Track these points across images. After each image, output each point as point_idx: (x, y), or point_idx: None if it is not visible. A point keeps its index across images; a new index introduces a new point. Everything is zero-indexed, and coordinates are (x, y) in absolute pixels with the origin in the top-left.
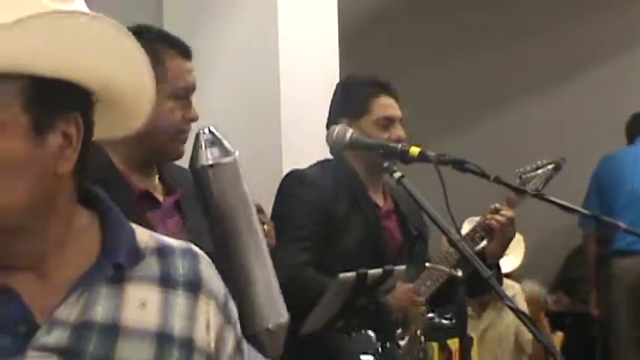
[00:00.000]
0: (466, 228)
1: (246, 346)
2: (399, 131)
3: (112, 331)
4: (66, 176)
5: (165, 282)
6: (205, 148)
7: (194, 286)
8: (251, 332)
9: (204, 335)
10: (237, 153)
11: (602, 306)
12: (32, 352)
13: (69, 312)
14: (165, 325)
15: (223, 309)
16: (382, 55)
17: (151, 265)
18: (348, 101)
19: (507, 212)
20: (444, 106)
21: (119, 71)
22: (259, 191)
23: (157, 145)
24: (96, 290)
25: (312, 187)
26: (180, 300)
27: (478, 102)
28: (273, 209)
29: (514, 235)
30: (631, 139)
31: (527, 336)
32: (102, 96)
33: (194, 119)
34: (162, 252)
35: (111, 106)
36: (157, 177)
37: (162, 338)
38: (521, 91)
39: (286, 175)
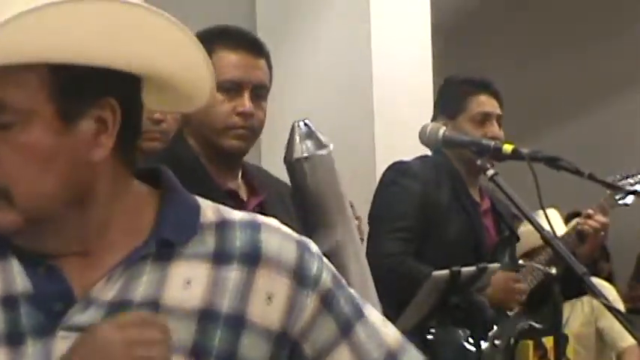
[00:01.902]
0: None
1: (341, 297)
2: (495, 128)
3: (151, 310)
4: (103, 162)
5: (219, 257)
6: (300, 141)
7: (251, 258)
8: None
9: (263, 308)
10: (331, 146)
11: None
12: (62, 331)
13: (108, 290)
14: (210, 303)
15: (295, 274)
16: (475, 54)
17: (206, 241)
18: (447, 99)
19: (600, 218)
20: (538, 104)
21: (162, 57)
22: (352, 188)
23: (209, 137)
24: (139, 268)
25: (415, 177)
26: (233, 274)
27: (572, 100)
28: (374, 199)
29: (605, 240)
30: None
31: (615, 332)
32: (152, 78)
33: (245, 113)
34: (222, 226)
35: (166, 86)
36: (239, 177)
37: (205, 317)
38: (616, 88)
39: (389, 167)
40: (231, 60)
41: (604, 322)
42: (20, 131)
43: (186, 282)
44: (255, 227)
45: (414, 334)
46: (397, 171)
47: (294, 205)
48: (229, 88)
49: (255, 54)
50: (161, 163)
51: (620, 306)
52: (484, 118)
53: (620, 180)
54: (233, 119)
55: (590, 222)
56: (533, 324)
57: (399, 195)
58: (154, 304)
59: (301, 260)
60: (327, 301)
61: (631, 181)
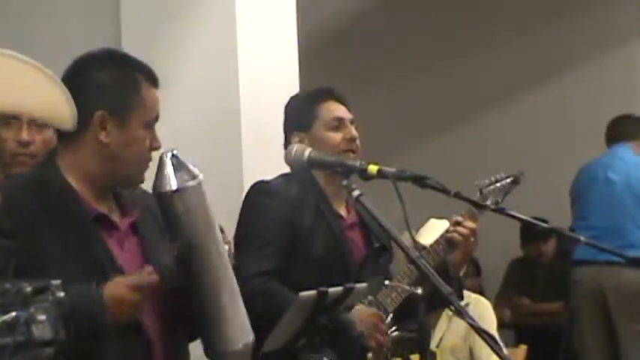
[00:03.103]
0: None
1: None
2: (351, 130)
3: None
4: None
5: None
6: (170, 173)
7: None
8: (221, 353)
9: None
10: (201, 176)
11: (565, 315)
12: None
13: None
14: None
15: None
16: (340, 71)
17: None
18: (297, 114)
19: (469, 224)
20: (408, 120)
21: (29, 99)
22: (221, 210)
23: (126, 170)
24: None
25: (276, 196)
26: None
27: (440, 115)
28: (239, 220)
29: (476, 246)
30: (608, 144)
31: (482, 352)
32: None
33: (157, 148)
34: None
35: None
36: (111, 199)
37: None
38: (483, 103)
39: (252, 186)
40: (157, 97)
41: (474, 341)
42: None
43: None
44: None
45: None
46: (259, 191)
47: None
48: (152, 125)
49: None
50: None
51: (494, 325)
52: (339, 123)
53: (489, 185)
54: (149, 154)
55: (459, 229)
56: (406, 334)
57: (262, 215)
58: None
59: None
60: None
61: (498, 185)
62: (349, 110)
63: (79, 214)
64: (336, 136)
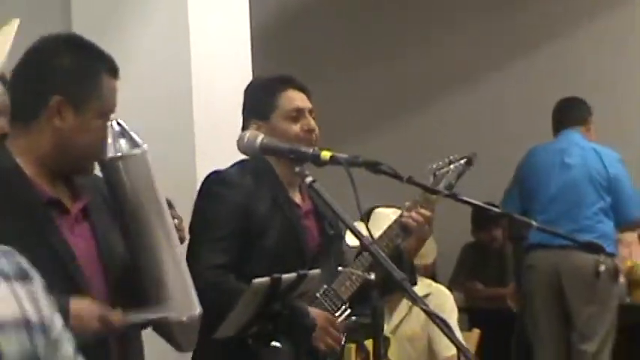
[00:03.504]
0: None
1: None
2: (310, 122)
3: None
4: None
5: None
6: (113, 140)
7: None
8: (164, 324)
9: None
10: (145, 145)
11: (519, 299)
12: None
13: None
14: None
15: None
16: (296, 57)
17: None
18: (256, 102)
19: (424, 211)
20: (361, 107)
21: None
22: (172, 194)
23: (77, 157)
24: None
25: (232, 186)
26: None
27: (394, 100)
28: (194, 210)
29: (431, 232)
30: (555, 129)
31: (440, 342)
32: None
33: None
34: None
35: None
36: (63, 183)
37: None
38: (437, 89)
39: (207, 176)
40: (115, 88)
41: (433, 330)
42: None
43: None
44: None
45: (235, 342)
46: (214, 181)
47: (111, 204)
48: (107, 116)
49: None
50: None
51: (454, 315)
52: (297, 114)
53: (442, 167)
54: (102, 145)
55: (413, 215)
56: (361, 319)
57: (216, 205)
58: None
59: None
60: None
61: (452, 167)
62: (309, 98)
63: (31, 198)
64: (294, 127)
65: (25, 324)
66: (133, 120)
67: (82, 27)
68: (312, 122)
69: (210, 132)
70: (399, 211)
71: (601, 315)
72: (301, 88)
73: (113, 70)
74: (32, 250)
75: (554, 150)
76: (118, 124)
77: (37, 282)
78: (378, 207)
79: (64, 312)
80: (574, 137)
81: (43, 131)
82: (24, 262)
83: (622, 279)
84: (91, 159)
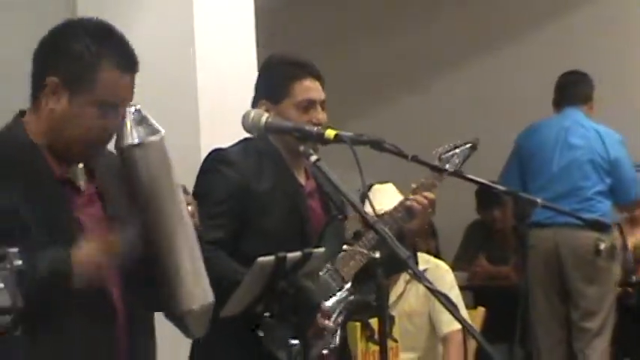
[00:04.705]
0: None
1: None
2: (319, 114)
3: None
4: None
5: None
6: (131, 127)
7: None
8: (177, 313)
9: None
10: (163, 132)
11: (521, 278)
12: None
13: None
14: None
15: None
16: (300, 35)
17: None
18: (270, 84)
19: (427, 194)
20: (365, 86)
21: None
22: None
23: (66, 144)
24: None
25: (231, 164)
26: None
27: (397, 80)
28: (194, 187)
29: (433, 215)
30: (557, 104)
31: (440, 318)
32: None
33: (111, 132)
34: None
35: None
36: (79, 164)
37: None
38: (440, 67)
39: (209, 154)
40: (120, 81)
41: (432, 306)
42: None
43: None
44: None
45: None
46: (214, 159)
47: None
48: (109, 107)
49: (130, 72)
50: None
51: (455, 289)
52: (308, 105)
53: (447, 151)
54: (101, 134)
55: (419, 198)
56: (365, 298)
57: (216, 182)
58: None
59: None
60: None
61: (457, 151)
62: (323, 87)
63: (43, 173)
64: (302, 118)
65: None
66: (136, 101)
67: (86, 12)
68: (322, 115)
69: (215, 111)
70: (393, 187)
71: (602, 292)
72: (318, 77)
73: (124, 64)
74: (43, 224)
75: (558, 127)
76: (137, 110)
77: None
78: (373, 184)
79: (68, 266)
80: (576, 116)
81: (42, 111)
82: None
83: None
84: (83, 146)
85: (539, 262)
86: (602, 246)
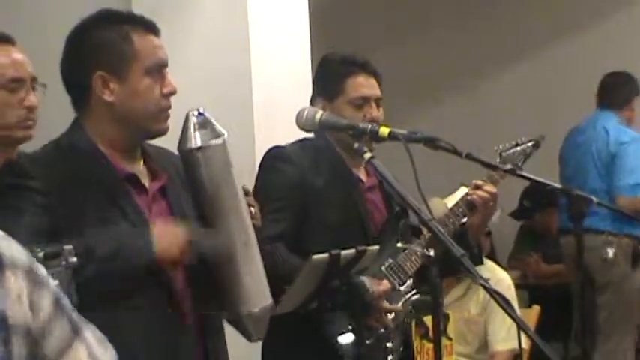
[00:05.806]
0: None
1: (66, 302)
2: (374, 111)
3: None
4: None
5: None
6: (194, 130)
7: None
8: (237, 316)
9: (19, 308)
10: (226, 135)
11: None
12: None
13: None
14: None
15: (29, 273)
16: (354, 33)
17: None
18: (325, 81)
19: (489, 188)
20: (418, 82)
21: None
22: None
23: (140, 123)
24: None
25: (289, 160)
26: None
27: (453, 76)
28: (254, 185)
29: (494, 211)
30: (597, 103)
31: (493, 333)
32: None
33: (172, 93)
34: None
35: None
36: (141, 162)
37: None
38: (495, 63)
39: (267, 152)
40: (154, 42)
41: (488, 318)
42: None
43: None
44: None
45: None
46: (273, 156)
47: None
48: (156, 71)
49: (158, 34)
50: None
51: (512, 294)
52: (363, 102)
53: (509, 149)
54: (163, 101)
55: (480, 192)
56: (424, 297)
57: (274, 179)
58: None
59: (31, 262)
60: (58, 306)
61: (519, 149)
62: (379, 84)
63: (110, 175)
64: (357, 115)
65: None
66: (192, 99)
67: (141, 9)
68: (376, 112)
69: (269, 109)
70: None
71: (615, 305)
72: (373, 74)
73: (144, 26)
74: (114, 224)
75: (579, 130)
76: (200, 113)
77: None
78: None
79: (148, 237)
80: (606, 122)
81: (99, 110)
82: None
83: None
84: (154, 120)
85: (570, 268)
86: (610, 254)
